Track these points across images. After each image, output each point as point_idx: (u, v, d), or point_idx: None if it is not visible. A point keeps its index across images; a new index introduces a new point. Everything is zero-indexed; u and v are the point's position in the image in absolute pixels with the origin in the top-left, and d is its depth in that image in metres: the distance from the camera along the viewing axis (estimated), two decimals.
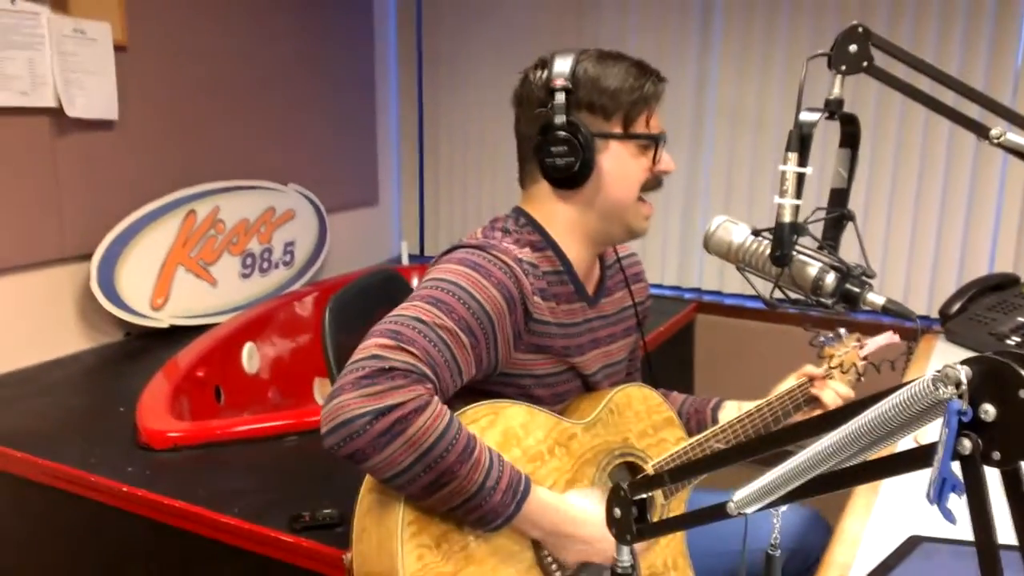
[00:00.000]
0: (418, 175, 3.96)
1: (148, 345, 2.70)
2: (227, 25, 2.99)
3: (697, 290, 3.49)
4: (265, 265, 3.12)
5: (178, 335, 2.73)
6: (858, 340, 1.60)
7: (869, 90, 3.03)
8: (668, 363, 3.19)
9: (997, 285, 2.10)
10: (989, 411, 0.52)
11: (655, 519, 1.32)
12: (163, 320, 2.75)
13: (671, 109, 3.35)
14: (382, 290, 1.43)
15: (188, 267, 2.82)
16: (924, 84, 1.13)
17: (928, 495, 0.54)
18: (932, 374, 0.54)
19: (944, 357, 1.90)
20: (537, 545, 1.19)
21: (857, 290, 1.05)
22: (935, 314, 3.05)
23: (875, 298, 1.05)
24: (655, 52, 3.35)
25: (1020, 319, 1.91)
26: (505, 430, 1.19)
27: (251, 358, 2.77)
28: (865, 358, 1.59)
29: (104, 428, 2.09)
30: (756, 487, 0.67)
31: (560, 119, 1.25)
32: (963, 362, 0.54)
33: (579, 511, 1.19)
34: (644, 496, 0.82)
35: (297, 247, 3.27)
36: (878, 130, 3.06)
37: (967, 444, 0.53)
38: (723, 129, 3.32)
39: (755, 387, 3.41)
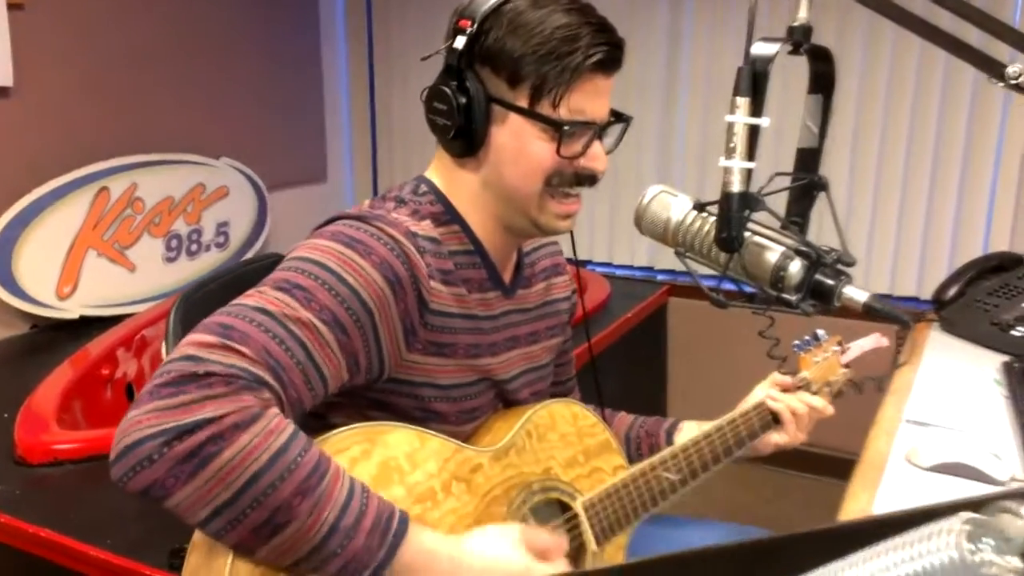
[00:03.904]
0: (371, 147, 3.68)
1: (56, 338, 2.44)
2: None
3: (670, 271, 3.24)
4: (194, 248, 2.85)
5: (92, 327, 2.47)
6: (839, 344, 1.34)
7: (854, 25, 2.74)
8: (638, 354, 2.93)
9: (998, 266, 1.84)
10: None
11: (586, 566, 1.06)
12: (72, 310, 2.48)
13: (640, 66, 3.07)
14: (258, 281, 1.13)
15: (101, 251, 2.55)
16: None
17: None
18: (964, 522, 0.25)
19: (940, 351, 1.65)
20: None
21: (831, 282, 0.79)
22: (924, 296, 2.82)
23: (854, 293, 0.78)
24: (623, 3, 3.06)
25: None
26: (384, 462, 0.92)
27: None
28: (847, 365, 1.33)
29: None
30: None
31: (451, 68, 1.00)
32: None
33: (483, 558, 0.92)
34: None
35: (232, 227, 3.00)
36: (867, 78, 2.78)
37: None
38: (698, 90, 3.04)
39: (736, 380, 3.16)
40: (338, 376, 0.91)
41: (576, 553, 1.04)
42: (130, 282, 2.64)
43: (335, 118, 3.60)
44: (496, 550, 0.93)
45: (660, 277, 3.21)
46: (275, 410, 0.82)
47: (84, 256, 2.50)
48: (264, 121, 3.19)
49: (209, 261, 2.92)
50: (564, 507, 1.08)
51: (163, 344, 1.21)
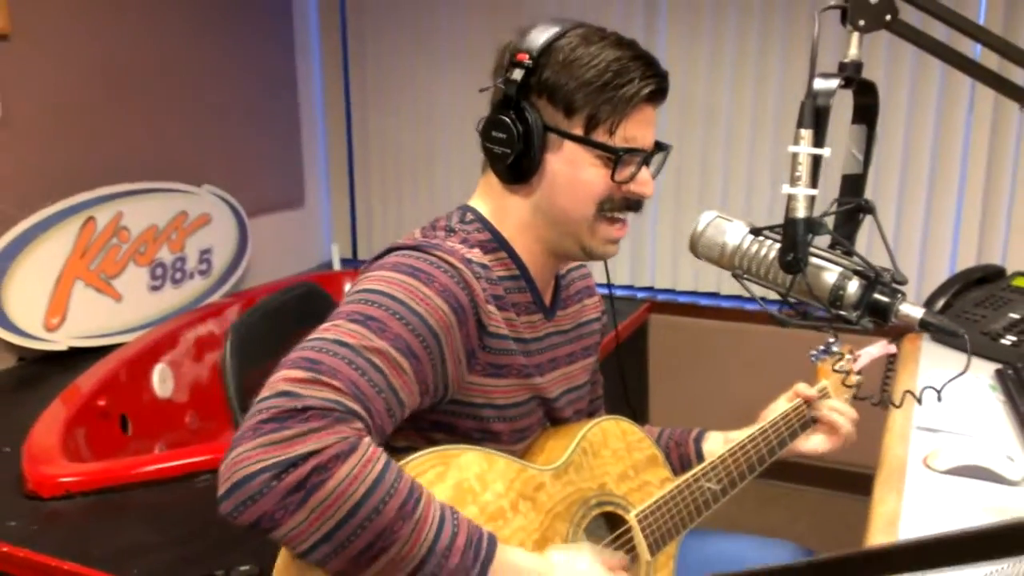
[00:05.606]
0: (348, 172, 3.69)
1: (44, 371, 2.41)
2: (129, 11, 2.69)
3: (650, 289, 3.30)
4: (178, 276, 2.83)
5: (79, 358, 2.44)
6: (851, 352, 1.40)
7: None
8: (621, 370, 2.98)
9: (981, 278, 1.94)
10: None
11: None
12: (60, 342, 2.45)
13: None
14: (298, 310, 1.16)
15: (88, 281, 2.52)
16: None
17: None
18: None
19: (934, 360, 1.73)
20: None
21: (887, 300, 0.84)
22: None
23: (910, 310, 0.84)
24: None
25: (1013, 315, 1.75)
26: (457, 484, 0.96)
27: (164, 381, 2.48)
28: (859, 372, 1.39)
29: None
30: None
31: (509, 99, 1.05)
32: None
33: (566, 574, 0.96)
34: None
35: (215, 254, 2.98)
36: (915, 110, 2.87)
37: None
38: (672, 119, 3.12)
39: (716, 391, 3.20)
40: (412, 401, 0.95)
41: (630, 563, 1.08)
42: (117, 312, 2.61)
43: (311, 142, 3.60)
44: (577, 565, 0.97)
45: (640, 295, 3.26)
46: (368, 439, 0.85)
47: (72, 287, 2.47)
48: (243, 150, 3.18)
49: (194, 289, 2.90)
50: (610, 519, 1.12)
51: (222, 375, 1.22)
